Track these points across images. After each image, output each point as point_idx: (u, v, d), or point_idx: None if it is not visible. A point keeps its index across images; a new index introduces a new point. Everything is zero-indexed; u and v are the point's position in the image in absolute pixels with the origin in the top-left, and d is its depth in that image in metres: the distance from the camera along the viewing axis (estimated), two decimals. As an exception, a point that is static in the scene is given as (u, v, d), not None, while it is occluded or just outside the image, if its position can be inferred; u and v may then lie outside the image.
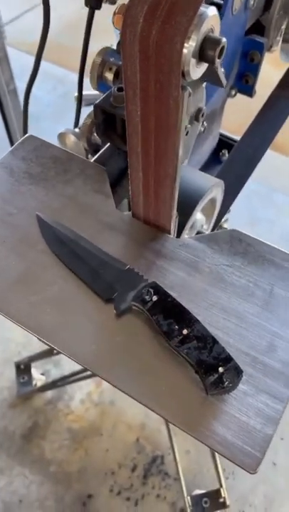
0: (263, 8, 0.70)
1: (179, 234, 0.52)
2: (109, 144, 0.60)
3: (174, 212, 0.47)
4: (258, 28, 0.72)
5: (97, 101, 0.53)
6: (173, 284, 0.45)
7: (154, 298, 0.42)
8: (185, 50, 0.32)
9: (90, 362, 0.41)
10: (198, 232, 0.60)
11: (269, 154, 0.76)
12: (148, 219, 0.49)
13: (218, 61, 0.33)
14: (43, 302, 0.43)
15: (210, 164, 0.79)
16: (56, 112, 2.08)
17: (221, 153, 0.80)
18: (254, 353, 0.41)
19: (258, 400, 0.39)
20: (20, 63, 1.47)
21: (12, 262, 0.46)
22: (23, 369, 1.40)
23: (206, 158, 0.78)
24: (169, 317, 0.41)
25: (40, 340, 0.43)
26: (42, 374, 1.43)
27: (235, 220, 1.11)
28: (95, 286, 0.44)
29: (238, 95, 0.76)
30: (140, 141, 0.41)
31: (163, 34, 0.32)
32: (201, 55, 0.33)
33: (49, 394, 1.42)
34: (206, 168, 0.78)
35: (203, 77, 0.36)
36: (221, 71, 0.37)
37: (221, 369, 0.38)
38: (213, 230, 0.69)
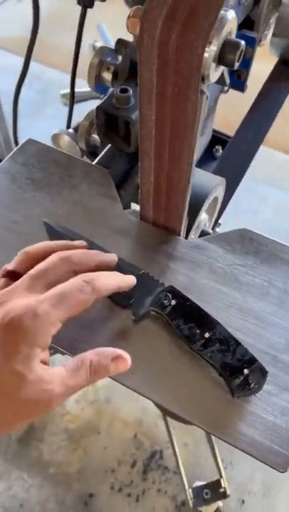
0: (253, 3, 0.70)
1: (186, 235, 0.52)
2: (109, 145, 0.59)
3: (186, 214, 0.47)
4: (248, 23, 0.72)
5: (100, 103, 0.52)
6: (188, 287, 0.45)
7: (173, 302, 0.42)
8: (206, 55, 0.31)
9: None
10: (202, 231, 0.60)
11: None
12: (158, 222, 0.49)
13: (237, 64, 0.33)
14: None
15: (204, 161, 0.79)
16: (34, 108, 2.04)
17: (214, 150, 0.80)
18: (274, 351, 0.42)
19: (282, 399, 0.39)
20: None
21: None
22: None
23: (200, 154, 0.78)
24: (190, 321, 0.41)
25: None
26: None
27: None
28: None
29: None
30: (154, 145, 0.40)
31: (183, 38, 0.32)
32: (221, 58, 0.32)
33: (44, 396, 1.41)
34: (200, 164, 0.78)
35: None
36: (226, 71, 0.37)
37: (246, 371, 0.38)
38: (213, 227, 0.69)
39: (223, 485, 1.21)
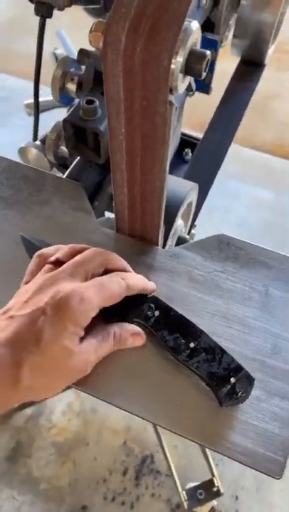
0: (212, 5, 0.70)
1: (164, 243, 0.52)
2: (79, 157, 0.58)
3: (162, 223, 0.46)
4: (208, 25, 0.72)
5: (67, 115, 0.51)
6: (170, 297, 0.44)
7: (156, 313, 0.41)
8: (173, 66, 0.31)
9: (98, 389, 0.40)
10: (179, 237, 0.59)
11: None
12: (134, 233, 0.48)
13: (204, 74, 0.33)
14: None
15: (175, 165, 0.79)
16: (-3, 118, 2.00)
17: (184, 153, 0.80)
18: (260, 357, 0.42)
19: (271, 404, 0.39)
20: None
21: (2, 294, 0.43)
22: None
23: (171, 158, 0.78)
24: (174, 331, 0.40)
25: None
26: (19, 391, 1.39)
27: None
28: None
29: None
30: (125, 158, 0.40)
31: (148, 51, 0.31)
32: (188, 69, 0.32)
33: (29, 411, 1.38)
34: (171, 169, 0.77)
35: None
36: (192, 78, 0.37)
37: (232, 379, 0.38)
38: (189, 232, 0.69)
39: (216, 484, 1.22)
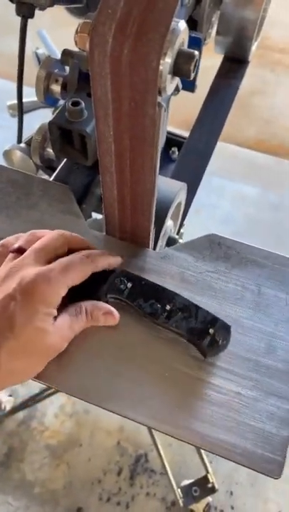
0: (195, 2, 0.70)
1: (154, 245, 0.51)
2: (65, 159, 0.57)
3: (152, 225, 0.46)
4: (191, 23, 0.72)
5: (52, 117, 0.50)
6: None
7: (129, 285, 0.42)
8: (161, 67, 0.31)
9: (85, 392, 0.40)
10: (169, 238, 0.59)
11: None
12: (124, 235, 0.48)
13: (193, 74, 0.32)
14: None
15: (162, 164, 0.78)
16: (-22, 119, 1.97)
17: (170, 152, 0.80)
18: (255, 356, 0.41)
19: (268, 404, 0.39)
20: None
21: None
22: (-11, 394, 1.34)
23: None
24: (149, 298, 0.41)
25: None
26: (10, 395, 1.37)
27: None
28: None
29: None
30: (114, 161, 0.39)
31: (136, 52, 0.30)
32: (176, 70, 0.32)
33: (20, 414, 1.37)
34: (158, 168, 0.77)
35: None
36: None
37: (211, 330, 0.40)
38: (178, 231, 0.68)
39: (210, 480, 1.23)
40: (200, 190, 0.72)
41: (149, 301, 0.41)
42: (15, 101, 0.71)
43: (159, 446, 1.26)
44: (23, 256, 0.40)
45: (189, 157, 0.74)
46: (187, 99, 0.85)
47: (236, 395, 0.39)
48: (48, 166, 0.62)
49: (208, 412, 0.39)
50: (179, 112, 1.02)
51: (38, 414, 1.39)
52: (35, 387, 1.35)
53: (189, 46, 0.68)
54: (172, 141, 0.81)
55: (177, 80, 0.34)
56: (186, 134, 0.81)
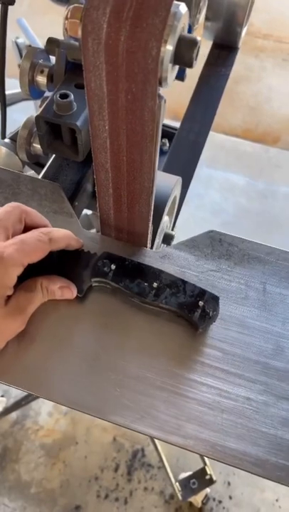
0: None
1: (152, 243, 0.49)
2: (54, 155, 0.54)
3: (151, 224, 0.43)
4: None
5: (39, 111, 0.47)
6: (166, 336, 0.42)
7: (113, 267, 0.41)
8: (162, 55, 0.28)
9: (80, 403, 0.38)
10: (165, 234, 0.57)
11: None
12: (120, 235, 0.45)
13: (195, 63, 0.30)
14: None
15: (153, 156, 0.76)
16: None
17: (161, 143, 0.77)
18: (263, 358, 0.40)
19: (280, 408, 0.37)
20: None
21: None
22: (-20, 396, 1.31)
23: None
24: (135, 278, 0.41)
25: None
26: (2, 396, 1.35)
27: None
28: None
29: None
30: (110, 158, 0.36)
31: (134, 40, 0.28)
32: (178, 58, 0.29)
33: (14, 415, 1.35)
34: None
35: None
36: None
37: (200, 303, 0.40)
38: (172, 227, 0.66)
39: (208, 472, 1.22)
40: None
41: (135, 281, 0.41)
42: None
43: (156, 441, 1.25)
44: None
45: (181, 149, 0.72)
46: (174, 88, 0.82)
47: (246, 400, 0.37)
48: (36, 162, 0.59)
49: (218, 420, 0.37)
50: (168, 102, 0.99)
51: (32, 413, 1.36)
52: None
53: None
54: (162, 132, 0.78)
55: (177, 69, 0.32)
56: (175, 124, 0.79)
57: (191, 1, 0.69)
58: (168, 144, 0.77)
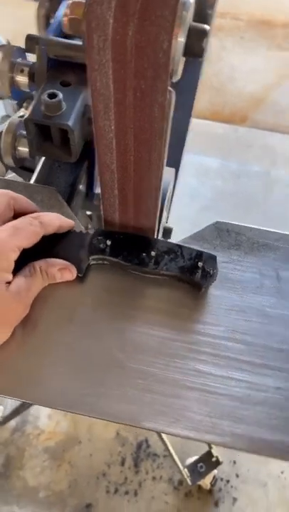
0: None
1: (156, 239, 0.48)
2: (43, 158, 0.52)
3: (157, 222, 0.42)
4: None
5: (27, 114, 0.45)
6: (173, 304, 0.41)
7: (108, 242, 0.41)
8: (173, 49, 0.27)
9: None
10: (164, 229, 0.56)
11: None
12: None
13: (204, 53, 0.28)
14: None
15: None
16: None
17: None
18: (287, 346, 0.40)
19: (309, 394, 0.37)
20: None
21: None
22: (-22, 407, 1.28)
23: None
24: (132, 249, 0.41)
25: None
26: (-1, 405, 1.32)
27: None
28: None
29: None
30: (116, 158, 0.35)
31: (143, 34, 0.26)
32: (188, 49, 0.28)
33: (13, 422, 1.33)
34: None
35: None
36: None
37: (200, 264, 0.41)
38: (167, 220, 0.65)
39: (214, 454, 1.24)
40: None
41: (133, 252, 0.41)
42: None
43: (160, 431, 1.25)
44: None
45: (166, 138, 0.70)
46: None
47: (276, 390, 0.37)
48: (23, 167, 0.57)
49: (251, 413, 0.36)
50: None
51: (31, 418, 1.35)
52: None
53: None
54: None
55: (183, 61, 0.30)
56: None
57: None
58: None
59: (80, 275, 0.41)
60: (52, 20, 0.51)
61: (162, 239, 0.42)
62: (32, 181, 0.50)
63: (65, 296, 0.41)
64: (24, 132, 0.52)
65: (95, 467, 1.30)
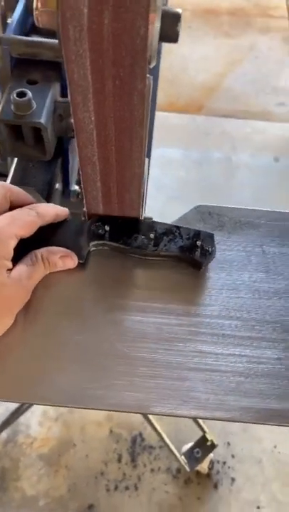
0: None
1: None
2: (15, 160, 0.51)
3: (142, 211, 0.42)
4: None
5: (-3, 115, 0.44)
6: (169, 286, 0.42)
7: (107, 228, 0.42)
8: (150, 34, 0.27)
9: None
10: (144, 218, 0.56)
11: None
12: (111, 227, 0.44)
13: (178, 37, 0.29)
14: None
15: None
16: None
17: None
18: (280, 317, 0.41)
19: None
20: None
21: None
22: None
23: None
24: (132, 233, 0.42)
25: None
26: (-13, 418, 1.29)
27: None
28: None
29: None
30: (97, 150, 0.35)
31: (119, 21, 0.26)
32: (163, 34, 0.28)
33: (3, 434, 1.30)
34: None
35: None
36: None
37: (198, 242, 0.42)
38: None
39: (209, 438, 1.26)
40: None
41: (132, 236, 0.42)
42: None
43: (153, 421, 1.26)
44: None
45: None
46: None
47: (277, 360, 0.38)
48: (-6, 170, 0.56)
49: (255, 385, 0.37)
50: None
51: (22, 427, 1.33)
52: (12, 404, 1.28)
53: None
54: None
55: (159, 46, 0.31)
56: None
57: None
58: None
59: (81, 262, 0.41)
60: (9, 20, 0.51)
61: (159, 221, 0.43)
62: (7, 182, 0.49)
63: (67, 283, 0.41)
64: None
65: (92, 467, 1.30)
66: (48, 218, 0.41)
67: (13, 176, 0.50)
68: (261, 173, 1.84)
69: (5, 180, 0.51)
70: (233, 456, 1.34)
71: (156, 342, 0.39)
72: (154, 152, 1.82)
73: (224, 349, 0.39)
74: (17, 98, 0.43)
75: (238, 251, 0.44)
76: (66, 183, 0.56)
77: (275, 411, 0.37)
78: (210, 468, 1.30)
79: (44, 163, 0.51)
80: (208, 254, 0.42)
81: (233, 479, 1.31)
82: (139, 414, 1.29)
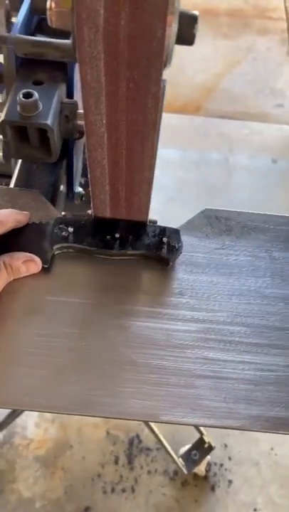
0: None
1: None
2: (20, 161, 0.50)
3: (149, 213, 0.42)
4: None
5: (3, 116, 0.43)
6: (180, 290, 0.41)
7: (70, 229, 0.41)
8: (167, 36, 0.26)
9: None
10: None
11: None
12: (118, 230, 0.43)
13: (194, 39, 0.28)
14: None
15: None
16: None
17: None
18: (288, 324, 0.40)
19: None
20: None
21: None
22: None
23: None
24: (96, 234, 0.41)
25: None
26: (-17, 420, 1.28)
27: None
28: None
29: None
30: (107, 153, 0.34)
31: (136, 23, 0.26)
32: (180, 36, 0.28)
33: (0, 436, 1.29)
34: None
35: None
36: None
37: (164, 239, 0.42)
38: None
39: (206, 440, 1.25)
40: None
41: (96, 236, 0.41)
42: None
43: (151, 423, 1.26)
44: None
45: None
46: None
47: (286, 368, 0.38)
48: (-3, 172, 0.55)
49: (265, 393, 0.37)
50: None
51: (19, 429, 1.32)
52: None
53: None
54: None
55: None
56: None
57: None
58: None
59: (45, 266, 0.41)
60: (14, 19, 0.50)
61: (124, 219, 0.42)
62: (11, 185, 0.49)
63: (32, 288, 0.40)
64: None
65: (89, 469, 1.29)
66: (9, 225, 0.40)
67: (17, 177, 0.49)
68: (259, 174, 1.84)
69: (9, 182, 0.50)
70: (230, 459, 1.34)
71: (162, 349, 0.38)
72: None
73: (233, 356, 0.38)
74: (23, 99, 0.42)
75: (245, 256, 0.44)
76: (70, 185, 0.55)
77: (285, 419, 0.36)
78: (207, 471, 1.29)
79: (49, 164, 0.50)
80: (174, 250, 0.42)
81: (230, 481, 1.30)
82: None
